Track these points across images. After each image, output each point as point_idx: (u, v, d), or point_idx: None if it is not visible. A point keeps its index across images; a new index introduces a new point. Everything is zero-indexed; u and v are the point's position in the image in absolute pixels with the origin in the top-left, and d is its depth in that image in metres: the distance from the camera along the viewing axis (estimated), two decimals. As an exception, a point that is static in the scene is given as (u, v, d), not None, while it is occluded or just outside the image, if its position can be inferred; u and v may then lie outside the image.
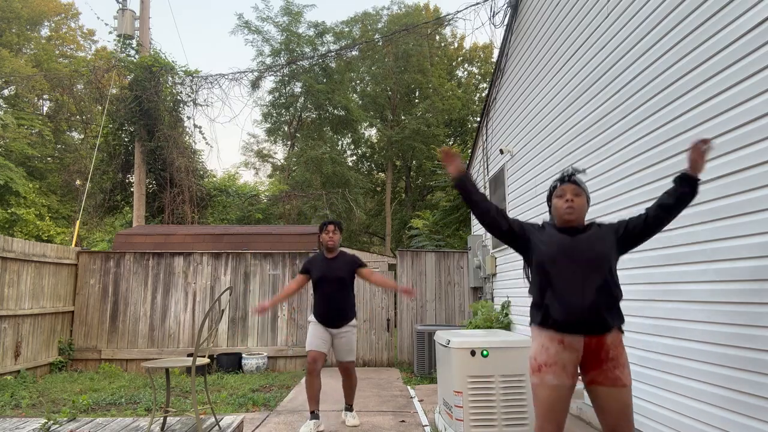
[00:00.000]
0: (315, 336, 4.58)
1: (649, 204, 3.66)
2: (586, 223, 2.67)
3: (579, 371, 2.52)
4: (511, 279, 6.76)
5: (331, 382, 6.63)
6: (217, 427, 3.73)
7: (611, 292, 2.46)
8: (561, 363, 2.45)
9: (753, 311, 2.69)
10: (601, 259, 2.48)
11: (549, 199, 2.77)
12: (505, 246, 6.93)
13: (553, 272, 2.49)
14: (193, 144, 13.28)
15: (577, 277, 2.45)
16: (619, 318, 2.50)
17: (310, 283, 4.81)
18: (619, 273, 3.22)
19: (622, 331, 2.52)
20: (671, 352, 3.39)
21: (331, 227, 4.78)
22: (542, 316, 2.52)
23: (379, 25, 23.06)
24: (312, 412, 4.46)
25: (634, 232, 2.56)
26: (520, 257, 6.36)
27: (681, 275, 3.29)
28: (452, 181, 2.72)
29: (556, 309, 2.46)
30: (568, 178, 2.66)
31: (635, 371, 3.79)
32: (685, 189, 2.48)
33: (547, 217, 5.47)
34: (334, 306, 4.60)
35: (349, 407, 4.77)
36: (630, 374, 2.47)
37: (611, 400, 2.42)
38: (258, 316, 4.58)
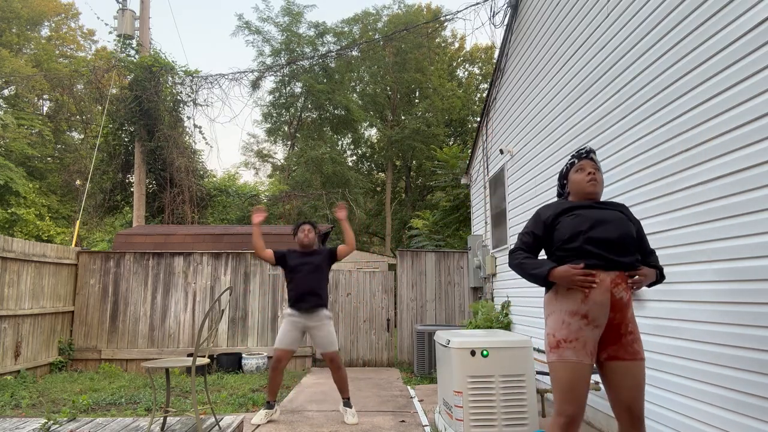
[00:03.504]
0: (285, 334, 4.74)
1: (648, 204, 3.66)
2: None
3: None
4: (511, 279, 6.76)
5: (331, 382, 6.63)
6: (217, 427, 3.73)
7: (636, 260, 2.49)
8: (582, 340, 2.35)
9: (753, 311, 2.69)
10: (632, 228, 2.49)
11: (563, 178, 2.74)
12: (505, 246, 6.94)
13: (590, 243, 2.43)
14: (193, 144, 13.28)
15: (611, 243, 2.42)
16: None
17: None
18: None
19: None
20: (671, 352, 3.39)
21: (306, 227, 4.98)
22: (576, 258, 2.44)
23: (379, 25, 23.07)
24: (268, 402, 4.73)
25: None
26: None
27: (681, 275, 3.29)
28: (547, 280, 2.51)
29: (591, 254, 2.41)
30: (586, 155, 2.65)
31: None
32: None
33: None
34: (309, 288, 4.74)
35: (347, 402, 4.79)
36: (643, 348, 2.46)
37: (629, 375, 2.37)
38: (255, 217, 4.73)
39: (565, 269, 2.39)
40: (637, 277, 2.45)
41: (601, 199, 4.34)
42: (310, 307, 4.75)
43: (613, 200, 2.54)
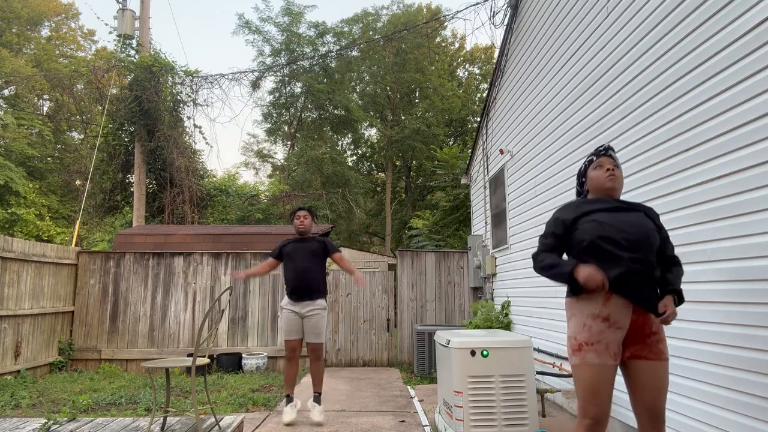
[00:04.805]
0: (289, 325, 4.76)
1: (648, 204, 3.66)
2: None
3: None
4: (511, 279, 6.76)
5: (331, 382, 6.63)
6: (217, 427, 3.73)
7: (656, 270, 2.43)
8: (604, 342, 2.32)
9: (754, 311, 2.69)
10: (652, 235, 2.42)
11: (582, 176, 2.71)
12: (506, 246, 6.94)
13: (607, 247, 2.38)
14: (193, 144, 13.28)
15: (632, 248, 2.37)
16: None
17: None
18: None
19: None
20: (672, 352, 3.39)
21: (302, 213, 4.95)
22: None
23: (379, 25, 23.08)
24: (287, 396, 4.72)
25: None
26: (521, 257, 6.37)
27: (681, 275, 3.29)
28: (570, 278, 2.43)
29: (615, 273, 2.34)
30: (605, 151, 2.62)
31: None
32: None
33: (547, 216, 5.47)
34: (304, 276, 4.71)
35: (317, 397, 4.74)
36: (668, 349, 2.39)
37: (652, 375, 2.33)
38: (237, 278, 5.03)
39: (591, 270, 2.31)
40: (665, 315, 2.37)
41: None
42: (304, 290, 4.70)
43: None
